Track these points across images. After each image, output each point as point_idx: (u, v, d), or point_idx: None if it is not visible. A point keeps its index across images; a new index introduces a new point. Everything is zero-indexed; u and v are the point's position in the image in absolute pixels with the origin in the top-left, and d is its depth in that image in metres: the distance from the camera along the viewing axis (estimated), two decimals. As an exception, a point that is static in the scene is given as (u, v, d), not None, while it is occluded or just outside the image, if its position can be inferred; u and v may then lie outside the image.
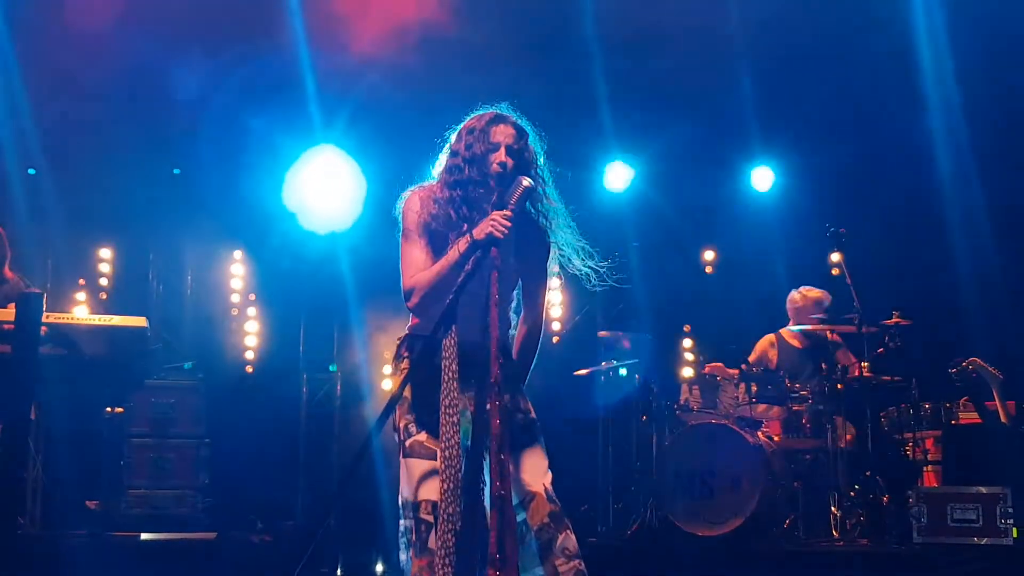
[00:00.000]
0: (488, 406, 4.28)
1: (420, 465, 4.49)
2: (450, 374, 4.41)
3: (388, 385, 10.85)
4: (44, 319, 7.82)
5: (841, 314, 9.17)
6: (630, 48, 10.16)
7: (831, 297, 9.61)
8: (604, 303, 11.16)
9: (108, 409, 8.72)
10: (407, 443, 4.54)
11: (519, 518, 4.44)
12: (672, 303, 11.62)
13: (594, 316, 10.63)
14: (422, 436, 4.53)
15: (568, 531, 4.49)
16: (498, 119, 4.73)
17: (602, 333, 10.60)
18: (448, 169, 4.73)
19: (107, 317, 8.27)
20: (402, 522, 4.51)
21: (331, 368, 11.18)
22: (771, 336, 9.85)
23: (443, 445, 4.36)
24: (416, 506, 4.44)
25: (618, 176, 11.10)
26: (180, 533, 8.80)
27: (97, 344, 8.15)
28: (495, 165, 4.62)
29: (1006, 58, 9.89)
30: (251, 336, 11.44)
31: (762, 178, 11.37)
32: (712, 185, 11.41)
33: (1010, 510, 7.89)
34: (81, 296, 10.99)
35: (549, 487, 4.56)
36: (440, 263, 4.55)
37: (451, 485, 4.31)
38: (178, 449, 9.58)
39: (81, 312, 10.22)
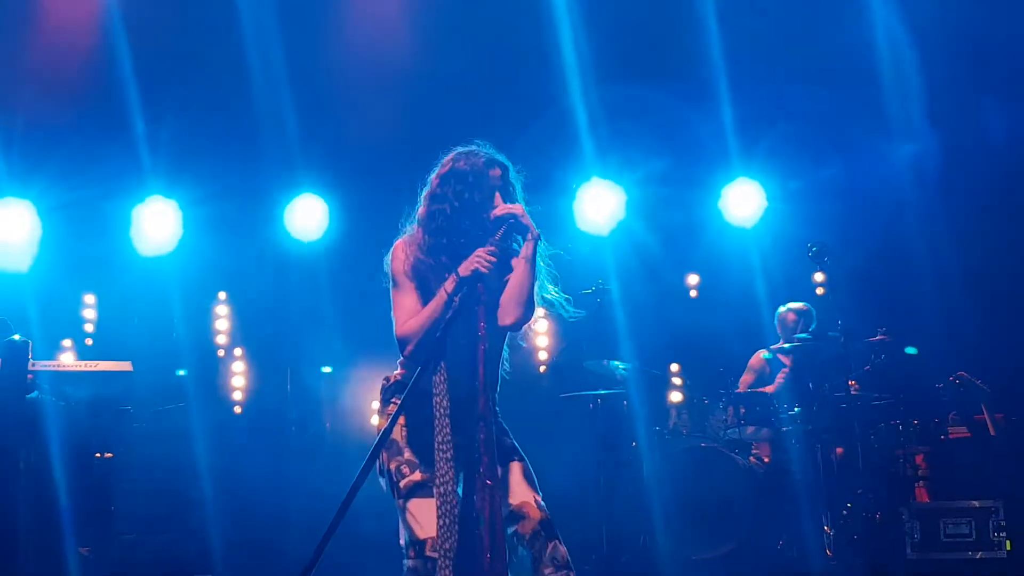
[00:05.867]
0: (479, 438, 4.32)
1: (420, 504, 4.50)
2: (441, 410, 4.44)
3: (375, 420, 10.86)
4: (30, 367, 7.83)
5: (827, 332, 9.19)
6: (608, 74, 10.26)
7: (814, 312, 9.65)
8: (590, 331, 11.14)
9: (97, 454, 8.68)
10: (401, 484, 4.56)
11: (509, 530, 4.47)
12: (658, 329, 11.62)
13: (580, 345, 10.59)
14: (416, 476, 4.55)
15: (558, 541, 4.53)
16: (489, 164, 4.72)
17: (589, 362, 10.59)
18: (432, 215, 4.70)
19: (93, 363, 8.26)
20: (406, 562, 4.51)
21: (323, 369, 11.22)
22: (764, 351, 9.85)
23: (438, 482, 4.38)
24: (422, 544, 4.45)
25: (598, 204, 11.05)
26: (172, 577, 8.78)
27: (84, 390, 8.14)
28: (492, 213, 4.61)
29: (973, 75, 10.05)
30: (239, 376, 11.43)
31: (743, 200, 11.32)
32: (693, 209, 11.41)
33: (1003, 523, 7.92)
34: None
35: (539, 498, 4.61)
36: (428, 306, 4.56)
37: (447, 521, 4.34)
38: (169, 493, 9.54)
39: (67, 358, 10.21)
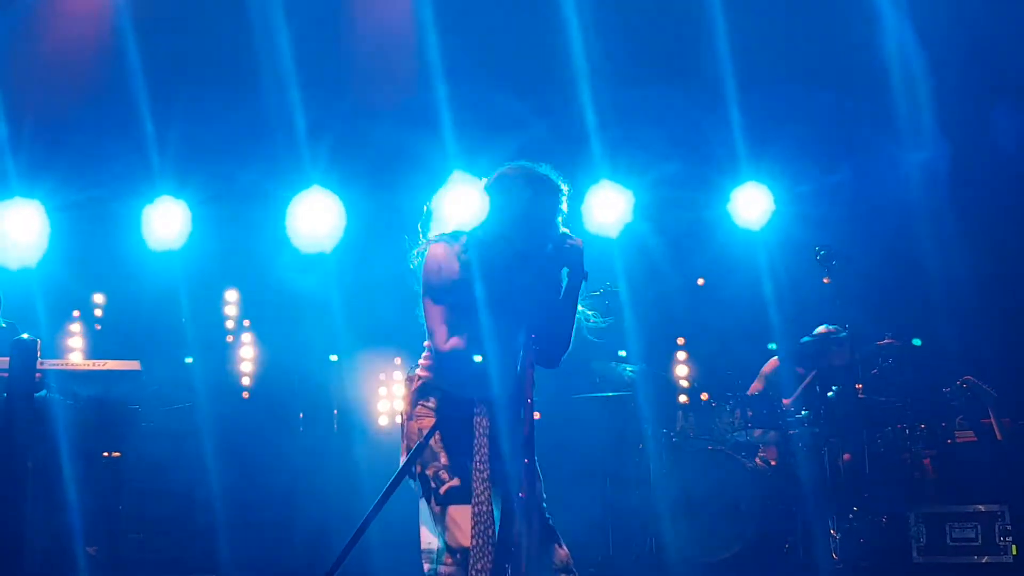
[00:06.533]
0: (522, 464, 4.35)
1: (462, 510, 4.50)
2: (481, 430, 4.46)
3: (383, 421, 10.89)
4: (39, 365, 7.84)
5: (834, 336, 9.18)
6: (619, 76, 10.27)
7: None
8: (598, 333, 11.10)
9: (105, 454, 8.70)
10: (441, 491, 4.55)
11: None
12: (666, 331, 11.63)
13: (587, 345, 10.59)
14: (456, 481, 4.55)
15: (557, 544, 4.57)
16: (557, 191, 4.72)
17: (596, 363, 10.58)
18: (490, 232, 4.68)
19: (101, 362, 8.28)
20: (440, 568, 4.51)
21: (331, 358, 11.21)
22: (776, 359, 9.81)
23: (474, 501, 4.40)
24: (465, 551, 4.44)
25: (606, 206, 11.04)
26: (179, 576, 8.80)
27: (92, 389, 8.16)
28: (553, 240, 4.67)
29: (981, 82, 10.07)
30: (246, 377, 11.44)
31: (751, 204, 11.31)
32: (701, 212, 11.41)
33: (1009, 527, 7.92)
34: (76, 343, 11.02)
35: (541, 503, 4.63)
36: (480, 336, 4.57)
37: (481, 541, 4.35)
38: (176, 493, 9.55)
39: (76, 357, 10.23)
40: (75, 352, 10.87)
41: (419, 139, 10.36)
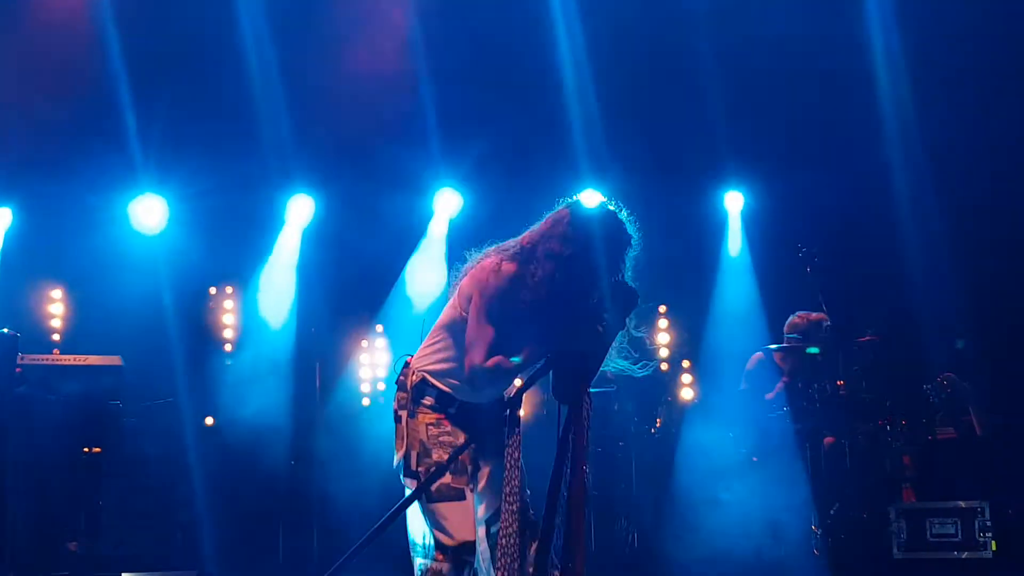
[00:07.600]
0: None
1: (451, 507, 4.52)
2: (512, 461, 4.44)
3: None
4: (19, 360, 7.82)
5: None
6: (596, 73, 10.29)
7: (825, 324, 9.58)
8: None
9: (85, 448, 8.68)
10: (432, 489, 4.52)
11: (493, 529, 4.49)
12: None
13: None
14: (447, 478, 4.53)
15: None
16: (629, 239, 4.75)
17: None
18: (563, 271, 4.60)
19: (82, 357, 8.25)
20: (429, 563, 4.52)
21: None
22: (759, 354, 9.81)
23: (502, 533, 4.38)
24: (455, 549, 4.48)
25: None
26: (160, 572, 8.75)
27: (73, 384, 8.14)
28: (609, 286, 4.66)
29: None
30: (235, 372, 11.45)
31: (733, 201, 11.38)
32: (687, 212, 11.44)
33: (988, 523, 7.95)
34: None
35: (526, 498, 4.63)
36: (525, 358, 4.57)
37: (507, 574, 4.34)
38: (157, 487, 9.52)
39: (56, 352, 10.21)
40: (55, 347, 10.82)
41: (403, 138, 10.41)
